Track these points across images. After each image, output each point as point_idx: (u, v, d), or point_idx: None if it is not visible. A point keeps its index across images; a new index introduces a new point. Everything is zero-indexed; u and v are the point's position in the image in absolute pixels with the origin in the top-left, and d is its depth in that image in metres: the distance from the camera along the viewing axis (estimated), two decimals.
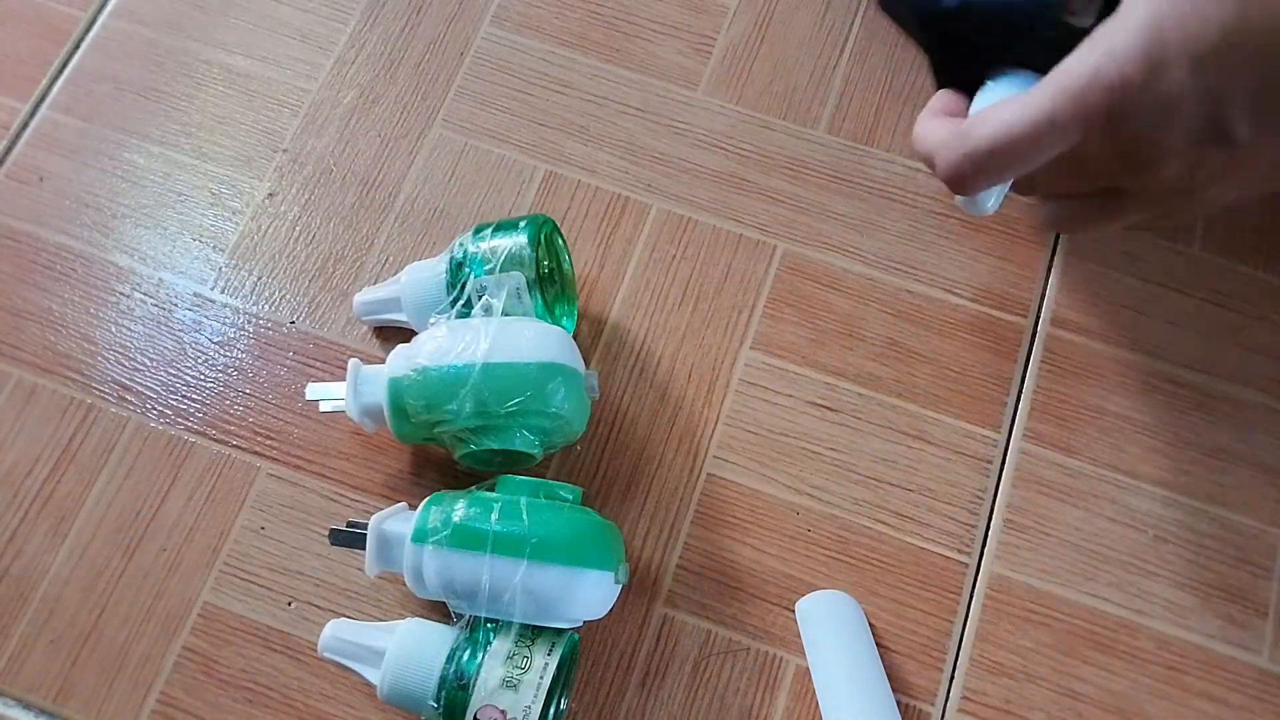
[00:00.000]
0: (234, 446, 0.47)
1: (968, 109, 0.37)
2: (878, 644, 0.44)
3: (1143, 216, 0.35)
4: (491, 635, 0.39)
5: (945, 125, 0.34)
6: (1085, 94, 0.30)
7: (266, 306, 0.50)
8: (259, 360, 0.49)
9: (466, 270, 0.44)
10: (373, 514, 0.41)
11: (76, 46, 0.55)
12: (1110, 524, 0.47)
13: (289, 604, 0.45)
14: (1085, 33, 0.31)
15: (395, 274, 0.48)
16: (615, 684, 0.44)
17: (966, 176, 0.33)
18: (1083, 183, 0.35)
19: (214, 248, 0.51)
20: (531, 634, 0.39)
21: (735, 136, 0.53)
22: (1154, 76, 0.29)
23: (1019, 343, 0.50)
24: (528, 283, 0.43)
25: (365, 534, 0.40)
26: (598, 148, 0.53)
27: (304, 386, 0.47)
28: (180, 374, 0.48)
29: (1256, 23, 0.28)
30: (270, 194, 0.52)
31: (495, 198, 0.52)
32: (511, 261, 0.43)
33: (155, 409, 0.48)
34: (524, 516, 0.39)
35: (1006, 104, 0.32)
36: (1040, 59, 0.33)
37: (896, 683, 0.44)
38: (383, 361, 0.43)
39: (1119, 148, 0.31)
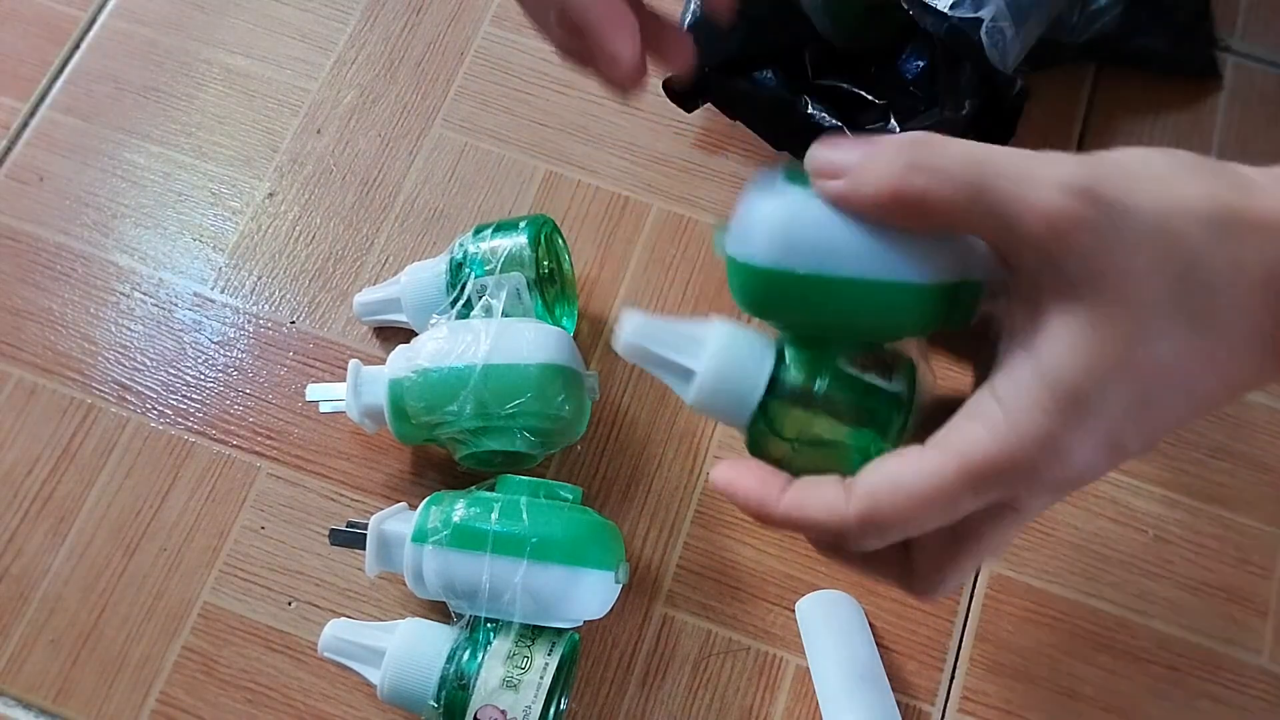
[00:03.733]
0: (234, 446, 0.47)
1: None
2: (878, 644, 0.44)
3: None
4: (491, 635, 0.39)
5: (818, 483, 0.29)
6: (993, 466, 0.26)
7: (266, 306, 0.50)
8: (259, 360, 0.49)
9: (466, 271, 0.44)
10: (373, 514, 0.41)
11: (76, 46, 0.55)
12: (1110, 524, 0.47)
13: (289, 604, 0.45)
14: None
15: (395, 274, 0.48)
16: (615, 684, 0.44)
17: (859, 539, 0.28)
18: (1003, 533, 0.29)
19: (214, 248, 0.51)
20: (531, 634, 0.39)
21: (735, 136, 0.53)
22: (1063, 450, 0.26)
23: None
24: (528, 283, 0.43)
25: (365, 534, 0.40)
26: (598, 148, 0.53)
27: (304, 386, 0.47)
28: (180, 374, 0.48)
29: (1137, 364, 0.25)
30: (270, 194, 0.52)
31: (495, 198, 0.52)
32: (512, 262, 0.43)
33: (155, 409, 0.48)
34: (524, 516, 0.39)
35: (897, 464, 0.28)
36: None
37: (896, 683, 0.44)
38: (383, 362, 0.43)
39: (1030, 489, 0.27)
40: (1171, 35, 0.53)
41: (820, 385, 0.31)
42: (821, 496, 0.29)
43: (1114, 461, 0.26)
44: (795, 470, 0.31)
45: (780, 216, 0.29)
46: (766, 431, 0.32)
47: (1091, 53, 0.52)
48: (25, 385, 0.48)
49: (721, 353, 0.31)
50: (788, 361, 0.31)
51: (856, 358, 0.32)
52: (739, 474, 0.30)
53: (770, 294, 0.30)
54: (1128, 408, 0.25)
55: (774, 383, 0.31)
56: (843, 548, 0.30)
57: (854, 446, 0.31)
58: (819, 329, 0.31)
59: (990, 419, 0.26)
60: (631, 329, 0.31)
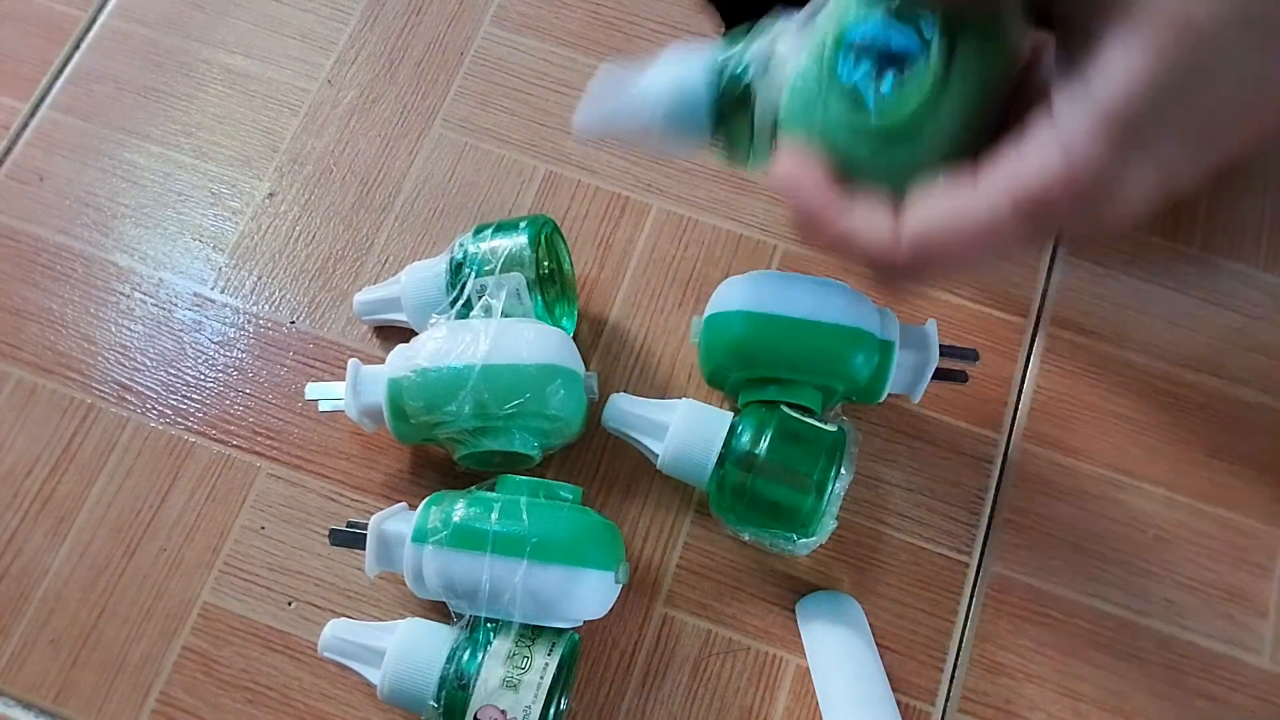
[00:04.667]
0: (234, 446, 0.47)
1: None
2: (878, 644, 0.44)
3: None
4: (491, 635, 0.39)
5: (872, 212, 0.29)
6: (1047, 197, 0.26)
7: (266, 306, 0.50)
8: (259, 360, 0.49)
9: (466, 271, 0.44)
10: (373, 514, 0.41)
11: (76, 46, 0.55)
12: (1110, 524, 0.47)
13: (289, 604, 0.45)
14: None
15: (395, 274, 0.48)
16: (615, 684, 0.44)
17: (906, 279, 0.29)
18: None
19: (214, 248, 0.51)
20: (531, 634, 0.39)
21: None
22: (1115, 180, 0.25)
23: (1019, 343, 0.50)
24: (528, 283, 0.43)
25: (365, 534, 0.40)
26: (598, 148, 0.53)
27: (304, 386, 0.47)
28: (180, 374, 0.48)
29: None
30: (270, 194, 0.52)
31: (495, 198, 0.52)
32: (512, 262, 0.43)
33: (155, 409, 0.48)
34: (524, 516, 0.39)
35: (949, 199, 0.28)
36: None
37: (896, 683, 0.44)
38: (383, 361, 0.43)
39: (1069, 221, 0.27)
40: None
41: (763, 448, 0.40)
42: (873, 229, 0.29)
43: (1164, 191, 0.26)
44: (752, 503, 0.41)
45: (750, 279, 0.43)
46: (720, 490, 0.42)
47: None
48: (25, 385, 0.48)
49: (678, 435, 0.42)
50: (739, 432, 0.41)
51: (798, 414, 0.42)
52: (801, 172, 0.30)
53: (742, 334, 0.41)
54: (1184, 137, 0.25)
55: (726, 450, 0.41)
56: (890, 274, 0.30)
57: (795, 493, 0.40)
58: (772, 368, 0.42)
59: (1043, 150, 0.26)
60: (611, 416, 0.43)
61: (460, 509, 0.39)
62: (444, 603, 0.40)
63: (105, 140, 0.53)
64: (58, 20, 0.55)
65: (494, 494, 0.41)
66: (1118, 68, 0.24)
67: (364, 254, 0.51)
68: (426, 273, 0.46)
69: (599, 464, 0.47)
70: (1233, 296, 0.50)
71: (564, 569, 0.38)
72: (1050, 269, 0.51)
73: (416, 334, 0.46)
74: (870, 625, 0.44)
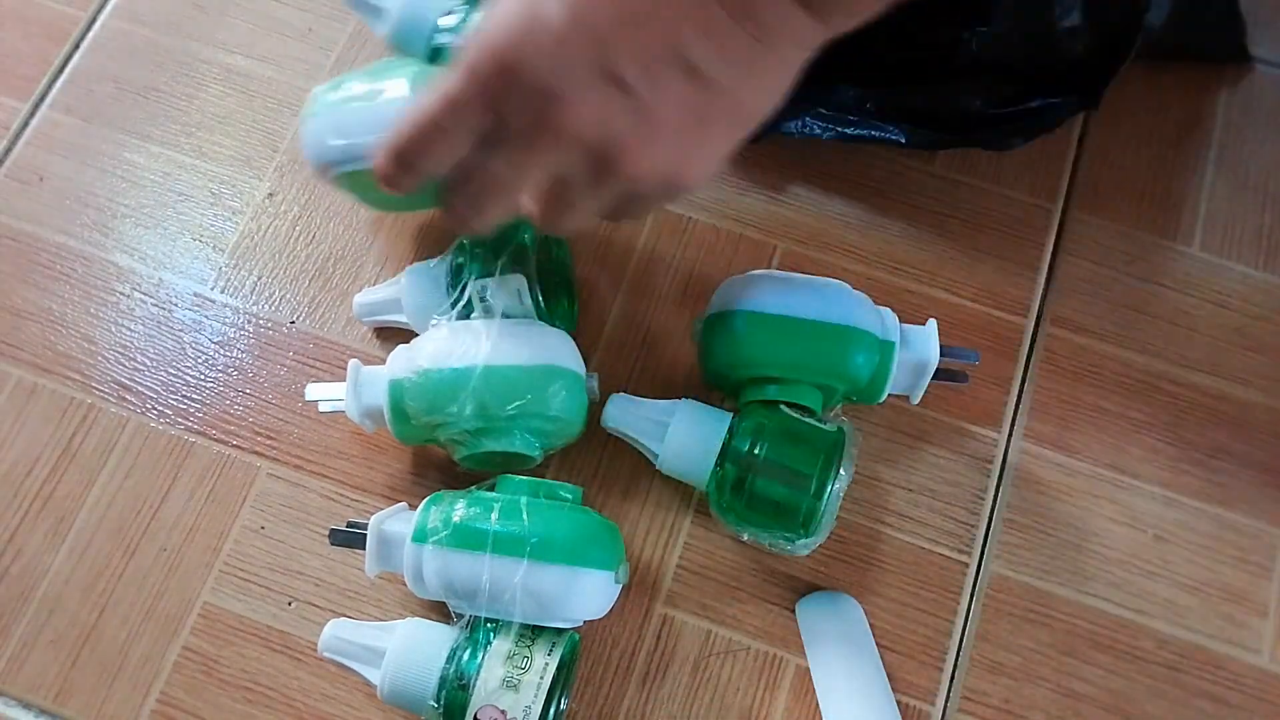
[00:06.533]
0: (234, 446, 0.47)
1: None
2: (878, 644, 0.44)
3: (595, 190, 0.35)
4: (491, 635, 0.39)
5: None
6: (476, 63, 0.32)
7: (266, 306, 0.50)
8: (259, 360, 0.49)
9: (467, 272, 0.44)
10: (373, 514, 0.41)
11: (76, 46, 0.55)
12: (1110, 524, 0.47)
13: (289, 604, 0.45)
14: None
15: (395, 274, 0.48)
16: (615, 684, 0.44)
17: (394, 169, 0.35)
18: (518, 159, 0.34)
19: (214, 248, 0.51)
20: (531, 634, 0.39)
21: None
22: (533, 27, 0.31)
23: (1019, 343, 0.50)
24: (528, 284, 0.43)
25: (365, 534, 0.40)
26: None
27: (304, 386, 0.47)
28: (180, 374, 0.48)
29: None
30: (270, 194, 0.52)
31: None
32: (512, 263, 0.43)
33: (155, 409, 0.48)
34: (524, 516, 0.39)
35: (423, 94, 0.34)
36: None
37: (896, 683, 0.44)
38: (383, 362, 0.43)
39: (524, 103, 0.32)
40: (1204, 22, 0.53)
41: (763, 448, 0.41)
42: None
43: (577, 25, 0.31)
44: (751, 503, 0.41)
45: (750, 279, 0.44)
46: (720, 490, 0.42)
47: None
48: (25, 385, 0.48)
49: (678, 435, 0.42)
50: (738, 431, 0.41)
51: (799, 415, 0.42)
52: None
53: (743, 334, 0.42)
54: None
55: (726, 450, 0.41)
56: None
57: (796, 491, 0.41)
58: (772, 368, 0.42)
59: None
60: (611, 416, 0.43)
61: (460, 509, 0.39)
62: (444, 603, 0.40)
63: (105, 140, 0.53)
64: (58, 20, 0.55)
65: (494, 494, 0.41)
66: None
67: (364, 254, 0.51)
68: (427, 274, 0.46)
69: (599, 464, 0.47)
70: (1233, 296, 0.51)
71: (564, 569, 0.38)
72: (1050, 269, 0.51)
73: (417, 334, 0.46)
74: (870, 625, 0.44)
